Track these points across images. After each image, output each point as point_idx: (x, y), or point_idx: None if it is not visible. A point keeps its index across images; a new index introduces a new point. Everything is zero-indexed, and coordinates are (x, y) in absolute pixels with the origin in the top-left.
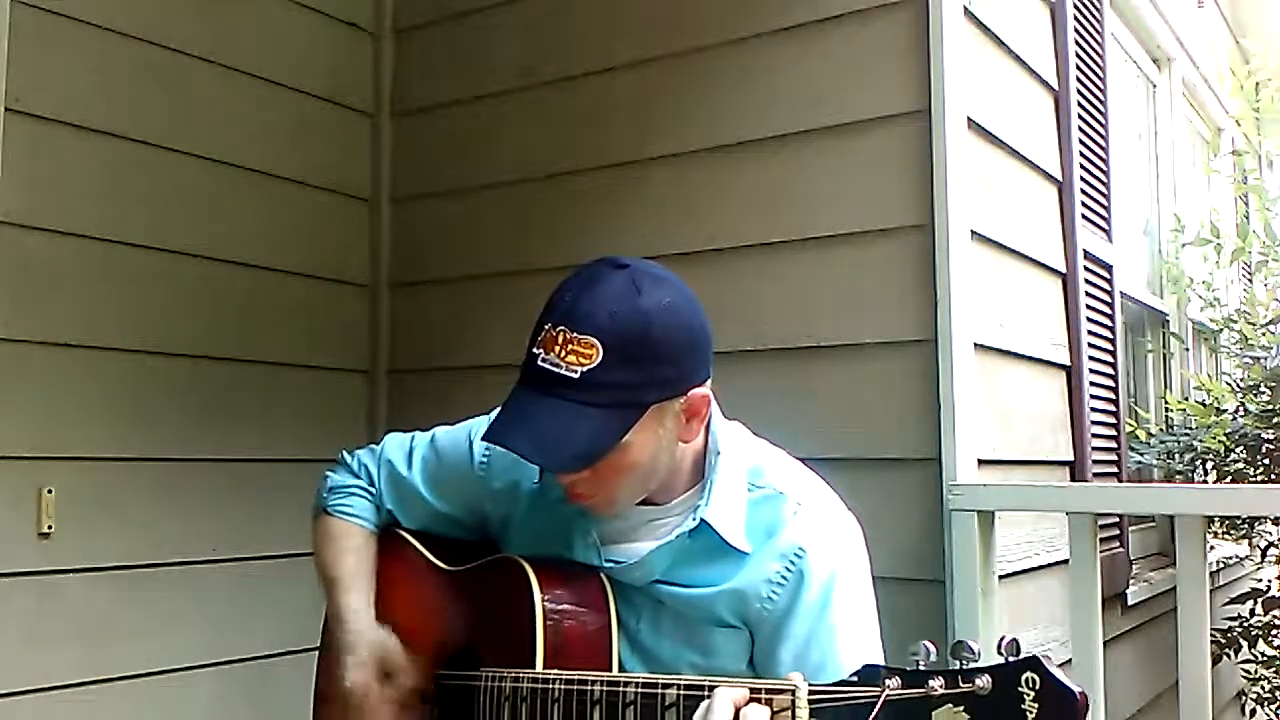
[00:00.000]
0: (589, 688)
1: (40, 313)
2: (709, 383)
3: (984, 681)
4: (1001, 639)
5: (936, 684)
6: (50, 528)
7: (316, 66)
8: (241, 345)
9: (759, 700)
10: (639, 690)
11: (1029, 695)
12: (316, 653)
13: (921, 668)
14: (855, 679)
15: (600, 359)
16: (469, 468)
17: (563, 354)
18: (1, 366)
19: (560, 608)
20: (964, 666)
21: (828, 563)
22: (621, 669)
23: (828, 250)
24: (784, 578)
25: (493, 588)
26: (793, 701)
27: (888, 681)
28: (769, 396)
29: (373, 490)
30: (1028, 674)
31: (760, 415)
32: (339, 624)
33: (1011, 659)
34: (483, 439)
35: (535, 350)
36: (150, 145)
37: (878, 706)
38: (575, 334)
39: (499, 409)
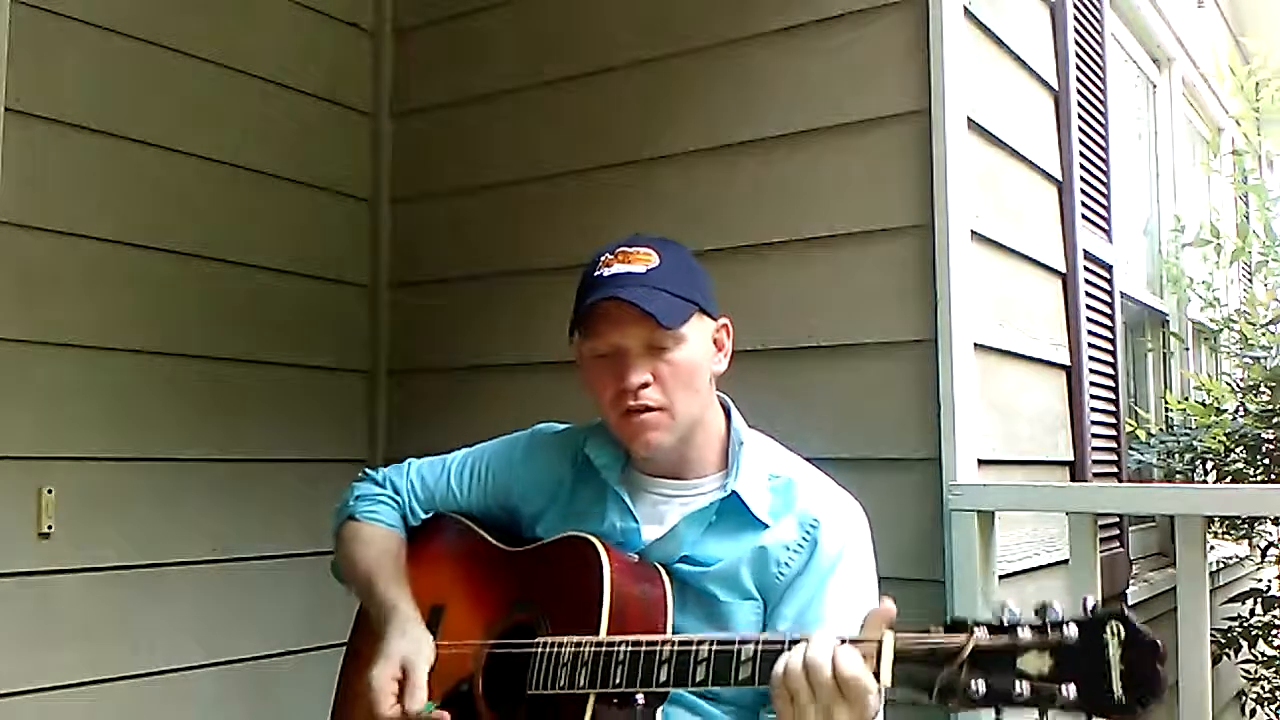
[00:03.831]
0: (658, 648)
1: (40, 313)
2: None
3: (1071, 631)
4: (1085, 599)
5: (1024, 633)
6: (50, 528)
7: (316, 66)
8: (241, 345)
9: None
10: (713, 648)
11: (1113, 643)
12: (344, 653)
13: (1006, 622)
14: (942, 627)
15: (659, 262)
16: (511, 469)
17: (627, 260)
18: (1, 366)
19: (626, 581)
20: (1050, 619)
21: (839, 539)
22: None
23: (828, 250)
24: (800, 545)
25: (559, 560)
26: (879, 649)
27: (975, 630)
28: (769, 396)
29: (398, 499)
30: (1113, 623)
31: (761, 415)
32: (385, 614)
33: (1097, 610)
34: (584, 308)
35: (598, 272)
36: (150, 145)
37: (966, 651)
38: (633, 249)
39: (578, 306)
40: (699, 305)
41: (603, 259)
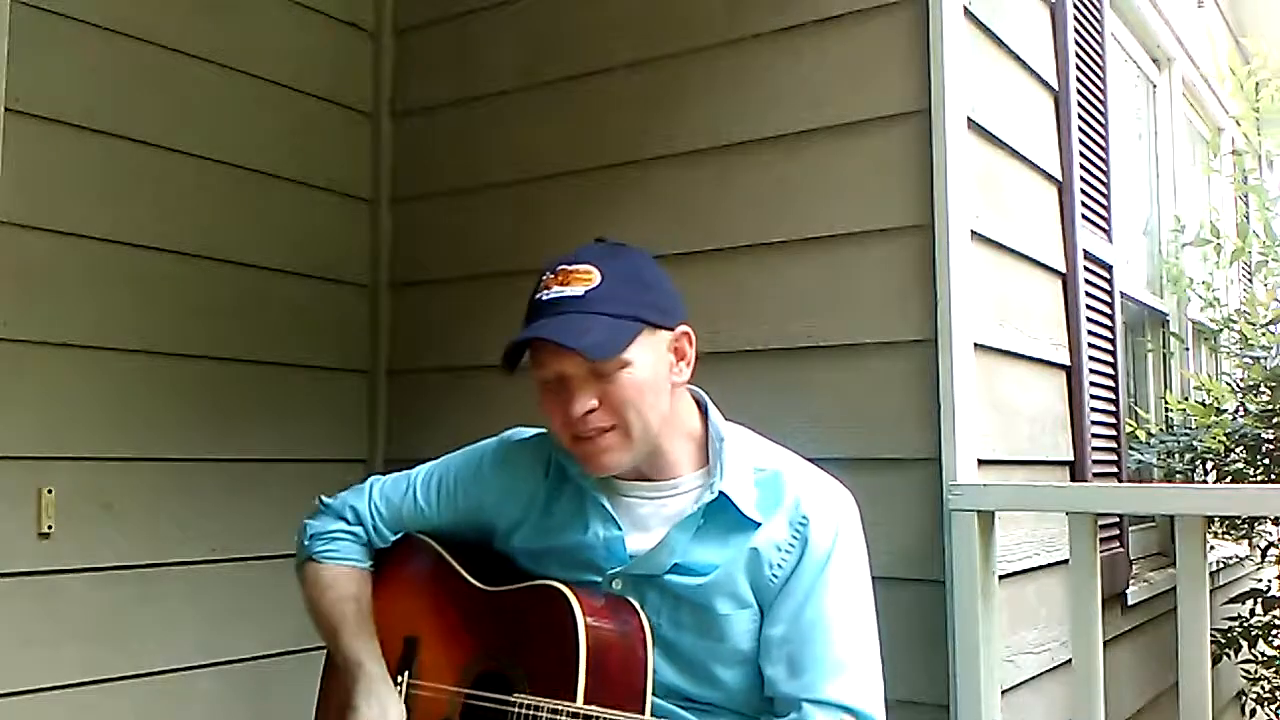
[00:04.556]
0: None
1: (40, 313)
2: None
3: None
4: None
5: None
6: (50, 528)
7: (316, 66)
8: (242, 345)
9: None
10: None
11: None
12: (318, 691)
13: None
14: None
15: (600, 280)
16: (481, 482)
17: (566, 281)
18: (1, 366)
19: (602, 639)
20: None
21: (829, 531)
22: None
23: (828, 250)
24: (791, 544)
25: (532, 613)
26: None
27: None
28: (769, 396)
29: (357, 531)
30: None
31: (761, 415)
32: (350, 671)
33: None
34: (510, 344)
35: (538, 295)
36: (150, 145)
37: None
38: (574, 267)
39: (510, 341)
40: (647, 321)
41: (544, 279)
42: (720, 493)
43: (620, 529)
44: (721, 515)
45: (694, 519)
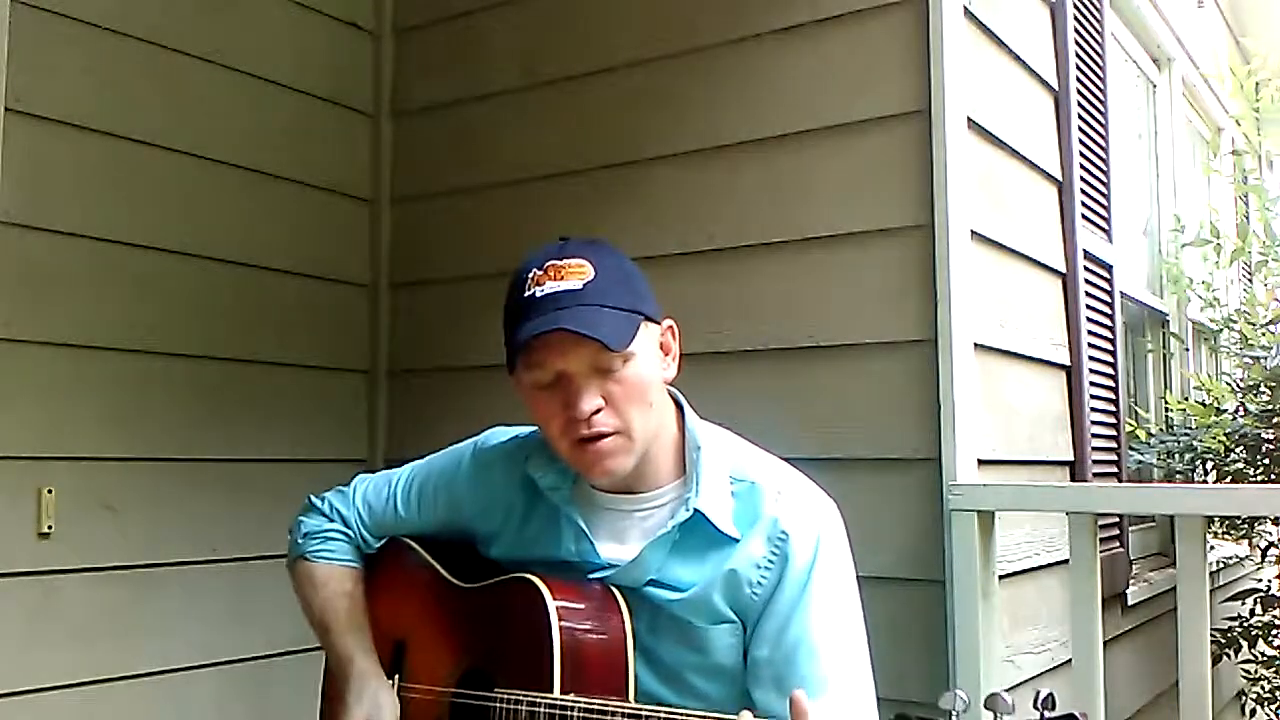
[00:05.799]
0: (609, 716)
1: (40, 313)
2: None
3: None
4: (1038, 694)
5: None
6: (50, 528)
7: (316, 66)
8: (241, 345)
9: None
10: None
11: None
12: (320, 696)
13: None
14: None
15: (595, 273)
16: (457, 490)
17: (560, 275)
18: (1, 366)
19: (576, 629)
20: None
21: (809, 545)
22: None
23: (828, 250)
24: (770, 561)
25: (507, 608)
26: None
27: None
28: (769, 397)
29: (349, 531)
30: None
31: (760, 415)
32: (341, 668)
33: (1049, 714)
34: (520, 340)
35: (529, 292)
36: (150, 145)
37: None
38: (564, 262)
39: (514, 335)
40: (644, 313)
41: (531, 276)
42: (696, 510)
43: (592, 543)
44: (698, 531)
45: (669, 537)
